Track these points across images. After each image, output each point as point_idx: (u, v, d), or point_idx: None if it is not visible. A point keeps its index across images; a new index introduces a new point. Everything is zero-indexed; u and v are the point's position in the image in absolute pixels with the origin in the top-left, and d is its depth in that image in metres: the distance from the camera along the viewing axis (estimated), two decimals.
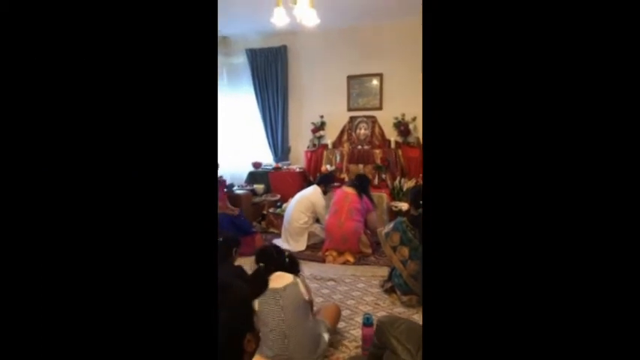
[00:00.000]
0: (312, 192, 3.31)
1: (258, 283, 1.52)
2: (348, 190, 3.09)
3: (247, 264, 2.89)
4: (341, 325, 1.93)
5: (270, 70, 4.20)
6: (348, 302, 2.24)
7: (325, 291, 2.40)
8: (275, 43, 4.12)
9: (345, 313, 2.06)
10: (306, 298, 1.59)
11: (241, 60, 4.34)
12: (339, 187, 3.36)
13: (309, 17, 2.24)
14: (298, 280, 1.60)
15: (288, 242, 3.25)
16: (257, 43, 4.20)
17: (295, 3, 2.20)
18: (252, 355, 0.84)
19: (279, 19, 2.29)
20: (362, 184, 3.16)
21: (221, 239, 1.90)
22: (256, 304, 1.49)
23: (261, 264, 1.62)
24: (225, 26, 3.95)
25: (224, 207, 3.35)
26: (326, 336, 1.65)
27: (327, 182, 3.43)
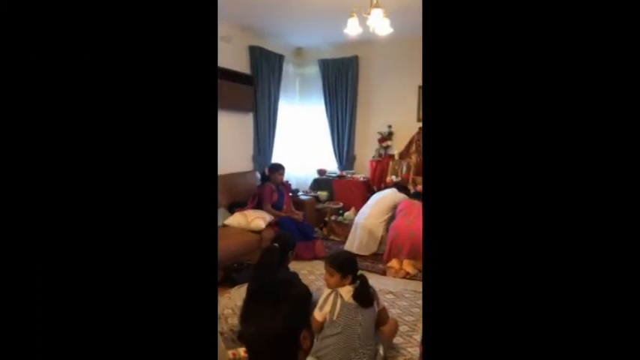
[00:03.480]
0: (391, 192, 3.41)
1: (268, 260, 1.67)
2: (415, 201, 3.05)
3: (306, 268, 2.95)
4: (398, 340, 1.87)
5: (341, 80, 4.28)
6: (407, 318, 2.16)
7: (384, 304, 2.35)
8: (347, 53, 4.19)
9: (402, 328, 1.99)
10: (376, 310, 1.62)
11: (314, 70, 4.48)
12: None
13: (382, 27, 2.25)
14: (374, 302, 1.62)
15: (355, 245, 3.25)
16: (329, 54, 4.31)
17: (369, 13, 2.22)
18: (307, 353, 0.85)
19: (353, 29, 2.33)
20: None
21: (276, 244, 1.97)
22: (335, 312, 1.52)
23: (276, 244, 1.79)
24: (300, 38, 4.11)
25: (289, 210, 3.46)
26: (381, 349, 1.62)
27: (399, 189, 3.50)
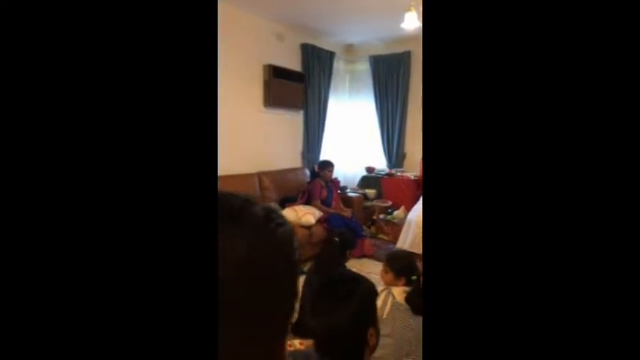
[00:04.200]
0: None
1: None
2: None
3: (355, 266, 2.94)
4: None
5: (392, 76, 4.20)
6: None
7: None
8: (398, 49, 4.10)
9: None
10: None
11: (364, 67, 4.44)
12: None
13: None
14: None
15: (407, 242, 3.18)
16: (380, 50, 4.25)
17: None
18: (373, 350, 0.85)
19: (410, 23, 2.28)
20: None
21: (337, 239, 1.97)
22: (385, 310, 1.50)
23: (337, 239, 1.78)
24: (351, 35, 4.09)
25: (338, 207, 3.47)
26: None
27: None
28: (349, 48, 4.55)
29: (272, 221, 0.31)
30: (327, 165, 3.52)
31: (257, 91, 3.58)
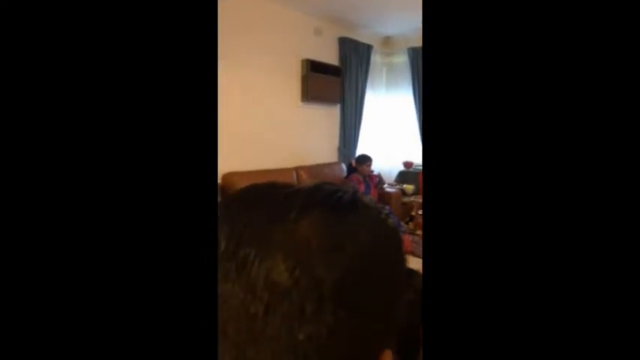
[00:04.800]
0: None
1: None
2: None
3: None
4: None
5: None
6: None
7: None
8: None
9: None
10: None
11: (402, 59, 4.34)
12: None
13: None
14: None
15: None
16: (419, 42, 4.13)
17: None
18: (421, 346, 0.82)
19: None
20: None
21: None
22: None
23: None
24: (388, 27, 4.01)
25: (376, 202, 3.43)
26: None
27: None
28: (387, 40, 4.46)
29: (382, 211, 0.29)
30: (365, 160, 3.48)
31: (295, 86, 3.60)
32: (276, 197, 0.26)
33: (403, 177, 4.19)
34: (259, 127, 3.29)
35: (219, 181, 2.86)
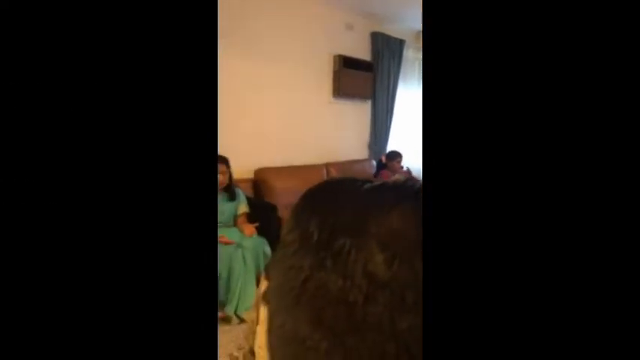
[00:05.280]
0: None
1: None
2: None
3: None
4: None
5: None
6: None
7: None
8: None
9: None
10: None
11: None
12: None
13: None
14: None
15: None
16: None
17: None
18: None
19: None
20: None
21: None
22: None
23: None
24: (420, 21, 3.91)
25: None
26: None
27: None
28: (419, 35, 4.36)
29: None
30: (395, 156, 3.44)
31: (326, 82, 3.61)
32: (361, 190, 0.27)
33: None
34: (290, 123, 3.32)
35: (251, 176, 2.92)
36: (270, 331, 0.31)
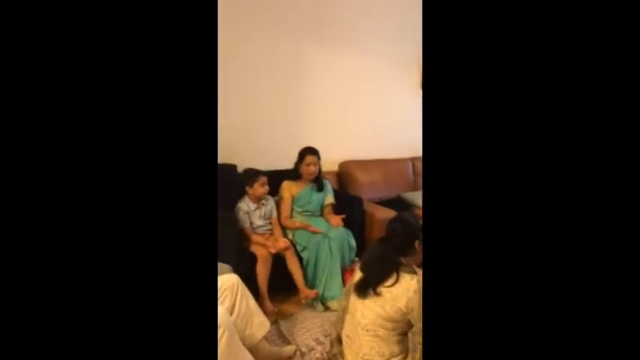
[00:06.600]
0: None
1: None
2: None
3: None
4: None
5: None
6: None
7: None
8: None
9: None
10: None
11: None
12: None
13: None
14: None
15: None
16: None
17: None
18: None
19: None
20: None
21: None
22: None
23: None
24: None
25: None
26: None
27: None
28: None
29: None
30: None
31: (414, 74, 3.50)
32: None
33: None
34: (376, 116, 3.31)
35: (335, 168, 3.00)
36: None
